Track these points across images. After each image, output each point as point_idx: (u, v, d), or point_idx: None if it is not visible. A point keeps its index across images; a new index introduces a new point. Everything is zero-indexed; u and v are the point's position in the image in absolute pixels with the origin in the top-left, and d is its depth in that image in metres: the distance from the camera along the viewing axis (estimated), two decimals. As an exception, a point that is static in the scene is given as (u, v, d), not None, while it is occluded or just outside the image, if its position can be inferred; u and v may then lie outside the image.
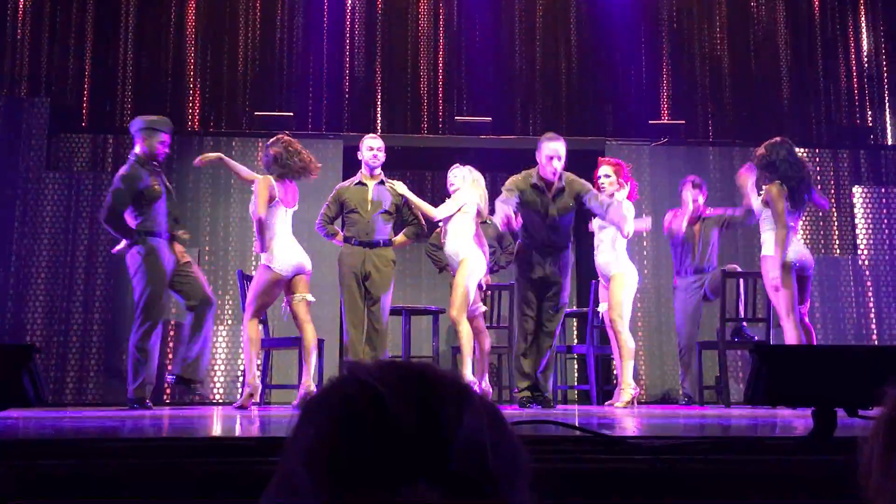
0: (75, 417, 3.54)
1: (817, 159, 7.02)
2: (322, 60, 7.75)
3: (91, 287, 6.26)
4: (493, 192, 7.53)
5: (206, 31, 7.63)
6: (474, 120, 7.27)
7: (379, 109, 7.73)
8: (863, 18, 7.94)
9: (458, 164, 5.34)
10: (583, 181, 5.30)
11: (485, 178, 7.48)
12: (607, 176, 5.40)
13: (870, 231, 6.91)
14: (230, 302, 6.50)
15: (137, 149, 5.05)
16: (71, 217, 6.33)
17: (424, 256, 7.02)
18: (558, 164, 5.16)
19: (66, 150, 6.77)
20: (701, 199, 5.90)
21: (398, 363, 0.64)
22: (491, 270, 6.46)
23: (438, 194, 7.86)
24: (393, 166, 6.17)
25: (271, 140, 5.12)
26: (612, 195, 5.25)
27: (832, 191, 7.04)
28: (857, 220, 6.95)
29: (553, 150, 5.16)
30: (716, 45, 7.97)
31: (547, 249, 5.34)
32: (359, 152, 5.48)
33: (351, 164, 6.41)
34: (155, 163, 5.10)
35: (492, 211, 5.29)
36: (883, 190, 6.98)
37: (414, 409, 0.59)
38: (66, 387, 6.07)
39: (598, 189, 5.38)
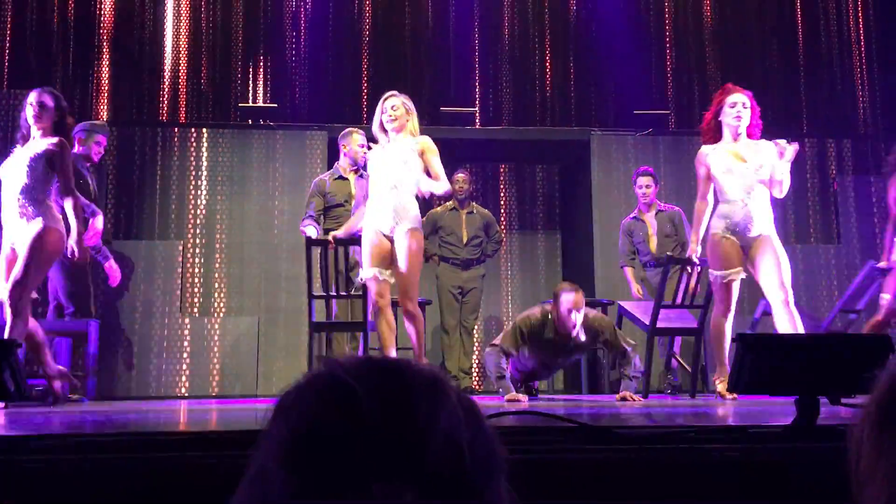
0: (55, 412, 3.52)
1: (806, 149, 7.04)
2: (305, 50, 7.72)
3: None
4: (485, 186, 7.48)
5: (191, 21, 7.58)
6: (460, 110, 7.25)
7: (364, 100, 7.70)
8: (850, 8, 7.98)
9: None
10: (604, 326, 4.77)
11: (472, 169, 7.53)
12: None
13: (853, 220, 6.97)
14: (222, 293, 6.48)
15: (77, 149, 5.19)
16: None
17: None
18: (578, 317, 4.58)
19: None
20: (649, 191, 6.05)
21: (375, 359, 0.63)
22: (478, 260, 6.50)
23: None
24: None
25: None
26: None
27: (816, 180, 7.10)
28: (840, 209, 7.02)
29: (571, 302, 4.57)
30: (703, 33, 7.99)
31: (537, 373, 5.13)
32: (343, 145, 5.48)
33: (337, 156, 6.41)
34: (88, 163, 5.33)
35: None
36: (872, 179, 7.02)
37: (388, 406, 0.59)
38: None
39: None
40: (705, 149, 4.51)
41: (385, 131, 4.40)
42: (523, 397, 4.47)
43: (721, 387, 4.35)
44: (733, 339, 1.99)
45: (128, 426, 2.44)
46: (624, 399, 4.48)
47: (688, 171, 6.94)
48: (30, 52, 7.30)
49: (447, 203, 6.61)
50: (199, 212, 6.59)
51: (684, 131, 7.36)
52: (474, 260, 6.45)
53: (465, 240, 6.42)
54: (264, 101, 7.49)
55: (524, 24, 7.95)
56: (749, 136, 4.45)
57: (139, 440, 1.79)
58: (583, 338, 4.66)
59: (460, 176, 6.53)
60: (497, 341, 4.72)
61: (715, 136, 4.50)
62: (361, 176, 5.39)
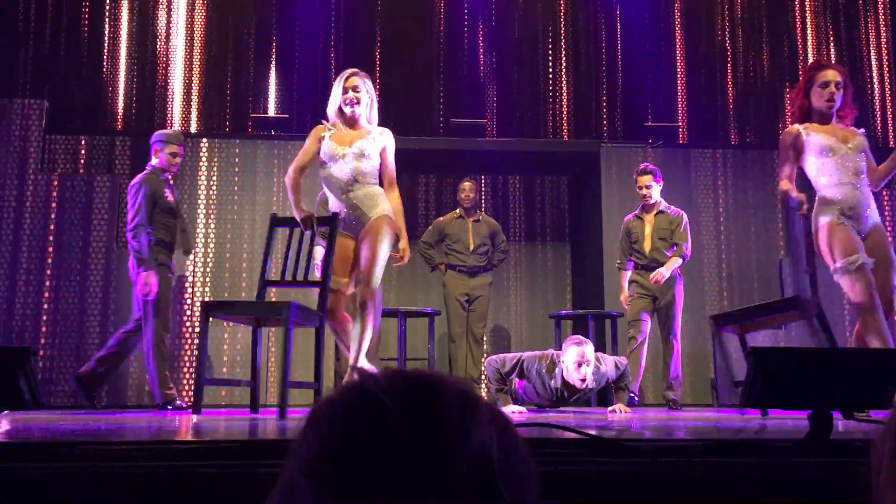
0: (79, 419, 3.53)
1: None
2: (316, 62, 7.75)
3: (87, 290, 6.24)
4: (495, 197, 7.50)
5: (204, 34, 7.63)
6: (471, 122, 7.27)
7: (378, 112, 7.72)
8: (871, 23, 7.97)
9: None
10: (612, 369, 4.69)
11: (481, 181, 7.55)
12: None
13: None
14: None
15: (155, 160, 5.28)
16: (66, 219, 6.31)
17: (417, 258, 7.02)
18: (587, 371, 4.52)
19: (61, 153, 6.77)
20: (649, 191, 5.74)
21: (406, 373, 0.62)
22: (485, 268, 6.50)
23: (434, 197, 7.87)
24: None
25: None
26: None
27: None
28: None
29: (581, 355, 4.50)
30: (714, 48, 8.00)
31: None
32: None
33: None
34: (167, 174, 5.36)
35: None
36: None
37: (419, 421, 0.58)
38: (60, 389, 6.05)
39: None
40: (796, 127, 4.01)
41: (343, 115, 4.05)
42: (522, 409, 4.51)
43: None
44: (746, 353, 1.98)
45: (124, 434, 2.44)
46: (613, 412, 4.51)
47: (697, 184, 6.95)
48: (44, 62, 7.36)
49: (454, 211, 6.65)
50: (209, 221, 6.61)
51: (694, 144, 7.36)
52: (481, 268, 6.48)
53: (471, 247, 6.44)
54: (275, 113, 7.53)
55: (534, 36, 7.97)
56: (841, 118, 4.02)
57: (143, 448, 1.80)
58: (591, 386, 4.66)
59: (466, 184, 6.57)
60: (500, 358, 4.74)
61: (803, 117, 4.05)
62: None
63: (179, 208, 5.46)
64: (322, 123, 4.11)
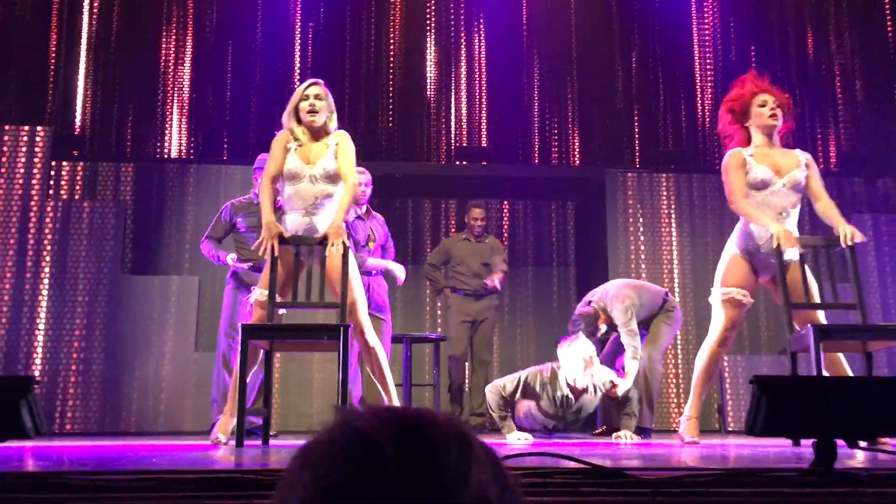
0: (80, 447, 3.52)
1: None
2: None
3: (92, 316, 6.25)
4: (498, 223, 7.49)
5: (211, 58, 7.70)
6: (476, 147, 7.31)
7: (383, 138, 7.76)
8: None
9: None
10: (607, 377, 4.80)
11: (486, 207, 7.55)
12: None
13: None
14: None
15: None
16: (71, 245, 6.33)
17: (422, 282, 7.02)
18: (591, 371, 4.66)
19: (67, 178, 6.82)
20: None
21: (394, 411, 0.62)
22: (490, 291, 6.32)
23: (438, 222, 7.88)
24: (393, 194, 6.20)
25: None
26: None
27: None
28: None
29: (582, 352, 4.63)
30: (718, 74, 8.03)
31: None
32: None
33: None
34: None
35: None
36: (883, 218, 6.98)
37: (417, 464, 0.58)
38: (65, 417, 6.05)
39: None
40: (742, 153, 3.98)
41: (300, 123, 3.94)
42: (528, 437, 4.49)
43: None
44: (750, 381, 1.97)
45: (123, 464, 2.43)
46: (619, 438, 4.51)
47: (701, 211, 6.96)
48: (54, 89, 7.43)
49: (460, 233, 6.60)
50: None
51: (700, 170, 7.38)
52: (485, 290, 6.33)
53: (475, 269, 6.36)
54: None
55: (541, 62, 8.01)
56: (781, 137, 4.05)
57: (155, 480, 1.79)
58: (593, 391, 4.69)
59: (477, 211, 6.51)
60: (500, 383, 4.73)
61: (741, 142, 4.06)
62: (368, 214, 5.41)
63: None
64: (280, 133, 4.01)
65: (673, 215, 6.97)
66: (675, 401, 6.59)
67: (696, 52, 8.05)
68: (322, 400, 6.30)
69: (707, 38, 8.05)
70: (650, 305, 5.18)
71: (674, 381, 6.65)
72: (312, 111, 3.91)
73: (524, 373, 4.79)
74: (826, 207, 4.00)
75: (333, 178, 3.90)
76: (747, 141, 4.08)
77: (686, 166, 7.52)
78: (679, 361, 6.69)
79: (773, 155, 4.01)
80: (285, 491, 0.61)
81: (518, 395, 4.70)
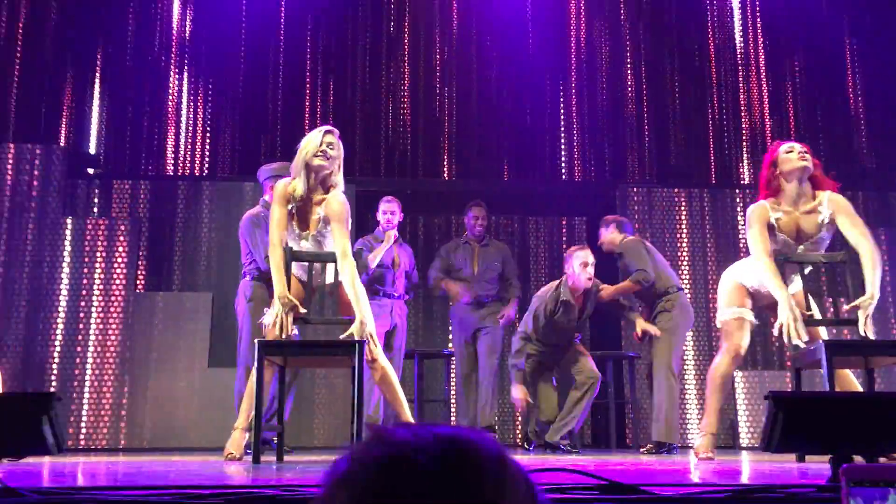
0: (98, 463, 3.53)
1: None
2: (335, 106, 7.85)
3: (106, 333, 6.28)
4: (511, 237, 7.47)
5: (228, 73, 7.77)
6: (488, 165, 7.34)
7: (395, 154, 7.80)
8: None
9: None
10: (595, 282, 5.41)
11: (499, 222, 7.55)
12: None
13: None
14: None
15: (268, 196, 5.00)
16: (85, 262, 6.38)
17: (433, 300, 7.01)
18: (592, 270, 5.27)
19: (82, 196, 6.89)
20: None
21: (433, 429, 0.62)
22: (494, 297, 5.94)
23: (449, 238, 7.91)
24: (406, 210, 6.19)
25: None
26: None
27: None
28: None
29: (585, 257, 5.25)
30: (733, 95, 8.02)
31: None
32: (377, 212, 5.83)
33: (366, 207, 6.55)
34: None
35: None
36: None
37: (457, 483, 0.57)
38: (78, 433, 6.08)
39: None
40: (766, 208, 4.00)
41: (309, 171, 3.78)
42: (524, 393, 5.26)
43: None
44: (765, 396, 1.97)
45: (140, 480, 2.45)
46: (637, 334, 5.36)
47: (714, 227, 6.96)
48: (69, 108, 7.50)
49: (458, 238, 6.27)
50: (227, 261, 6.65)
51: (710, 185, 7.38)
52: (488, 296, 5.90)
53: (475, 272, 5.93)
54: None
55: (554, 78, 8.04)
56: (813, 181, 4.03)
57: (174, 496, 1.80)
58: (596, 291, 5.35)
59: (476, 210, 6.09)
60: (523, 325, 5.41)
61: (774, 191, 4.05)
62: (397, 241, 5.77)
63: None
64: (283, 181, 3.89)
65: (684, 230, 6.97)
66: (693, 416, 6.57)
67: (711, 65, 8.06)
68: (326, 416, 6.29)
69: (722, 48, 8.07)
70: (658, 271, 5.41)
71: (693, 395, 6.62)
72: (326, 157, 3.77)
73: (534, 302, 5.41)
74: (864, 263, 3.84)
75: (329, 241, 3.84)
76: (778, 191, 4.05)
77: (696, 181, 7.53)
78: (692, 376, 6.67)
79: (799, 218, 4.01)
80: None
81: (542, 320, 5.27)
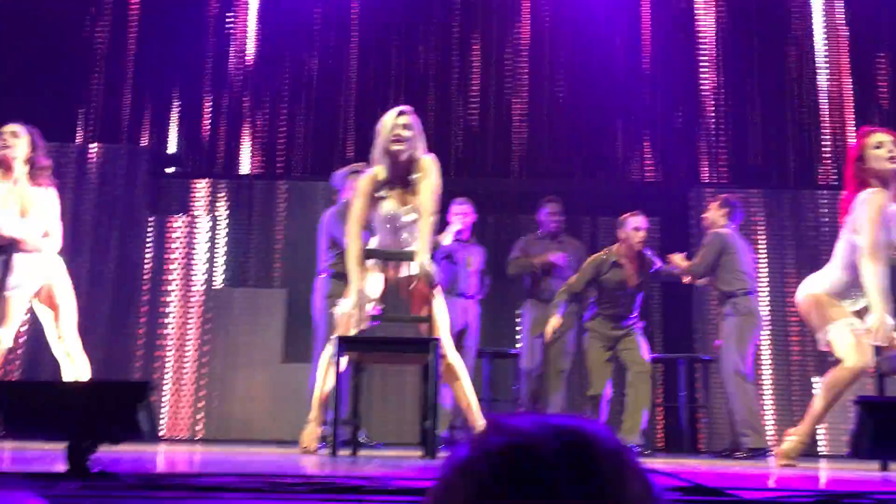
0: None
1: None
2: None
3: (185, 327, 6.49)
4: (583, 237, 7.35)
5: (314, 78, 7.90)
6: (558, 165, 7.29)
7: (453, 151, 7.83)
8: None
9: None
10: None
11: (572, 222, 7.49)
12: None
13: None
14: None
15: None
16: (167, 259, 6.59)
17: (500, 297, 6.99)
18: (644, 235, 5.41)
19: (166, 194, 7.12)
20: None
21: (553, 421, 0.62)
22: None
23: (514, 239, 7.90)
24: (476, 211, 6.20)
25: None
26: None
27: None
28: None
29: (639, 221, 5.40)
30: (803, 93, 7.82)
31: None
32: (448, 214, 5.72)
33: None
34: None
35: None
36: None
37: (577, 477, 0.58)
38: (160, 423, 6.28)
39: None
40: (881, 193, 3.53)
41: (389, 156, 3.71)
42: (559, 322, 5.34)
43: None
44: (854, 402, 1.93)
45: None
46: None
47: (790, 228, 6.79)
48: (148, 108, 7.73)
49: (534, 234, 6.15)
50: (301, 257, 6.76)
51: (786, 186, 7.21)
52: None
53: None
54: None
55: (619, 76, 7.95)
56: None
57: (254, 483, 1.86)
58: (650, 261, 5.43)
59: (552, 205, 5.98)
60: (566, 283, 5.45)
61: (859, 189, 3.63)
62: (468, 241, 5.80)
63: None
64: (366, 173, 3.86)
65: (759, 231, 6.82)
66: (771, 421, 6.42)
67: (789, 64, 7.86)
68: (394, 412, 6.34)
69: (803, 45, 7.86)
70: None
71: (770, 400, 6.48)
72: (398, 140, 3.70)
73: (585, 265, 5.45)
74: None
75: (414, 220, 3.80)
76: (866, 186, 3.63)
77: (773, 182, 7.36)
78: (767, 385, 6.51)
79: None
80: (442, 498, 0.62)
81: (586, 277, 5.36)
